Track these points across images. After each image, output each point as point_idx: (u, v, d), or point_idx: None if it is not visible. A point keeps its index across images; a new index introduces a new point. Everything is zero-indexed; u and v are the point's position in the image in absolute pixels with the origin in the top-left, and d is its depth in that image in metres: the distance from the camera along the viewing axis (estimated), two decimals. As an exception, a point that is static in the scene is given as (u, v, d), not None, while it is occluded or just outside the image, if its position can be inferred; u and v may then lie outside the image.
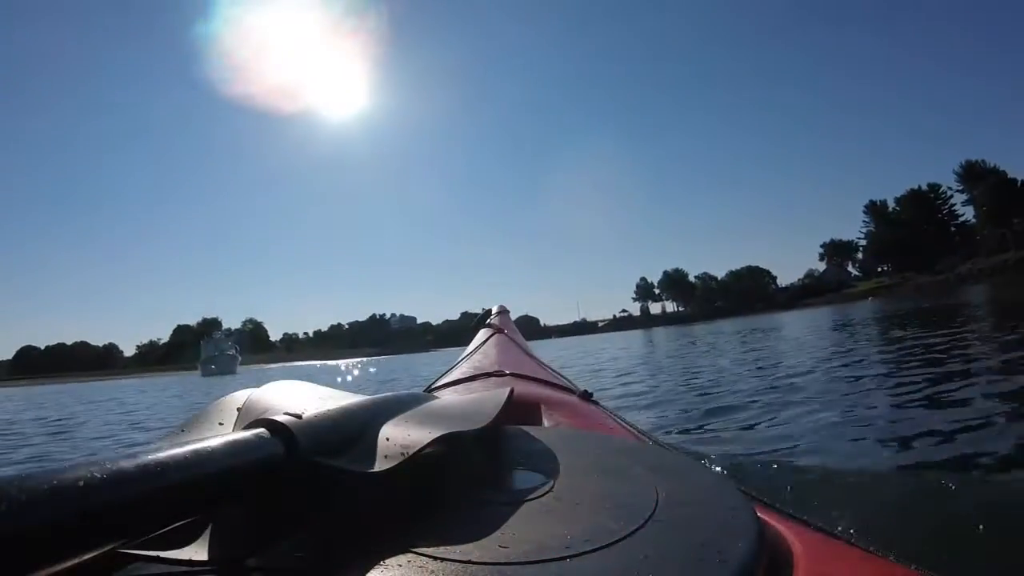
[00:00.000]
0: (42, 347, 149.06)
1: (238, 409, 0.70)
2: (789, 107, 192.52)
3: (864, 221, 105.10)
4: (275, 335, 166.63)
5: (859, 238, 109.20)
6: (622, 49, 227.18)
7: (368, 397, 0.76)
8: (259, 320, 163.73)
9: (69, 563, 0.39)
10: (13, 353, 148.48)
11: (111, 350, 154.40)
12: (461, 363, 2.22)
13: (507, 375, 1.75)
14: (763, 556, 0.56)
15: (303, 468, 0.55)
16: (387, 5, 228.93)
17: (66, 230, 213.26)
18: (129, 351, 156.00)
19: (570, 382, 1.91)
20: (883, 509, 2.59)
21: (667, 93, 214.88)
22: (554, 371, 2.11)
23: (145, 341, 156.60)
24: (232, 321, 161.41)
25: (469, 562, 0.52)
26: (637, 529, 0.57)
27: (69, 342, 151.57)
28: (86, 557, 0.40)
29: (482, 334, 2.74)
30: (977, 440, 3.47)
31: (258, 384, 0.71)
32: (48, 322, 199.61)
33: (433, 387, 1.84)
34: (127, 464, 0.43)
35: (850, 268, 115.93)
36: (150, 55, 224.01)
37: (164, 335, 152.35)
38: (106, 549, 0.42)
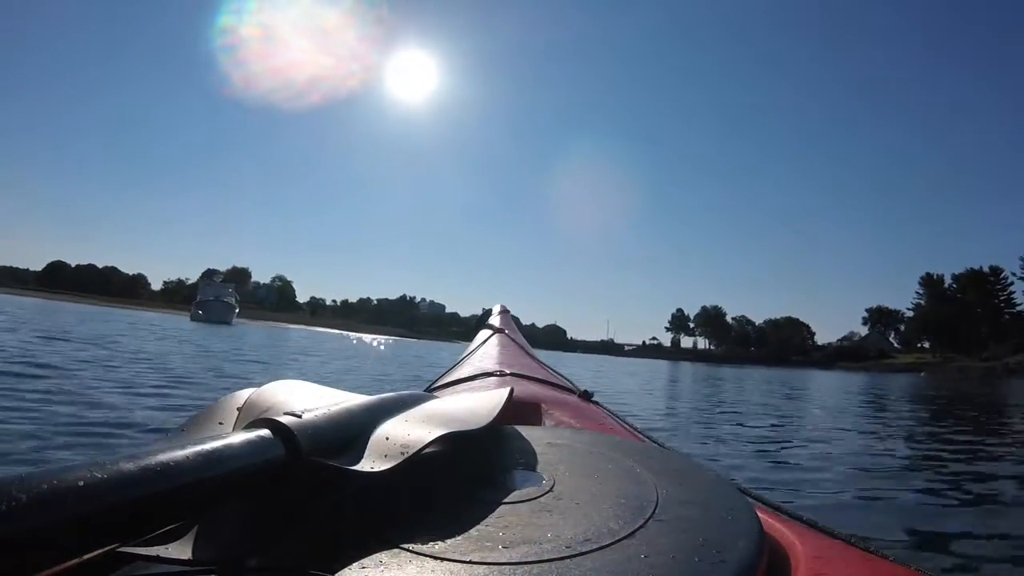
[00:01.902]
0: (72, 265, 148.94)
1: (238, 409, 0.71)
2: (860, 168, 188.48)
3: (917, 293, 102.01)
4: (303, 297, 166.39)
5: (908, 309, 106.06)
6: (690, 83, 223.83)
7: (368, 397, 0.77)
8: (289, 279, 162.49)
9: (69, 563, 0.39)
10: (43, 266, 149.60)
11: (138, 280, 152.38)
12: (462, 363, 2.24)
13: (507, 375, 1.76)
14: (763, 556, 0.56)
15: (303, 468, 0.55)
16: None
17: (120, 159, 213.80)
18: (157, 285, 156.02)
19: (570, 382, 1.92)
20: (883, 509, 2.75)
21: (736, 132, 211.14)
22: (554, 371, 2.11)
23: (174, 279, 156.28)
24: (262, 275, 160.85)
25: (469, 562, 0.52)
26: (637, 529, 0.57)
27: (100, 265, 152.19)
28: (86, 557, 0.40)
29: (483, 334, 2.74)
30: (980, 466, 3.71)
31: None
32: (85, 241, 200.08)
33: (433, 387, 1.86)
34: (127, 464, 0.43)
35: (891, 338, 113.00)
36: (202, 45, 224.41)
37: (195, 276, 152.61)
38: (106, 549, 0.42)
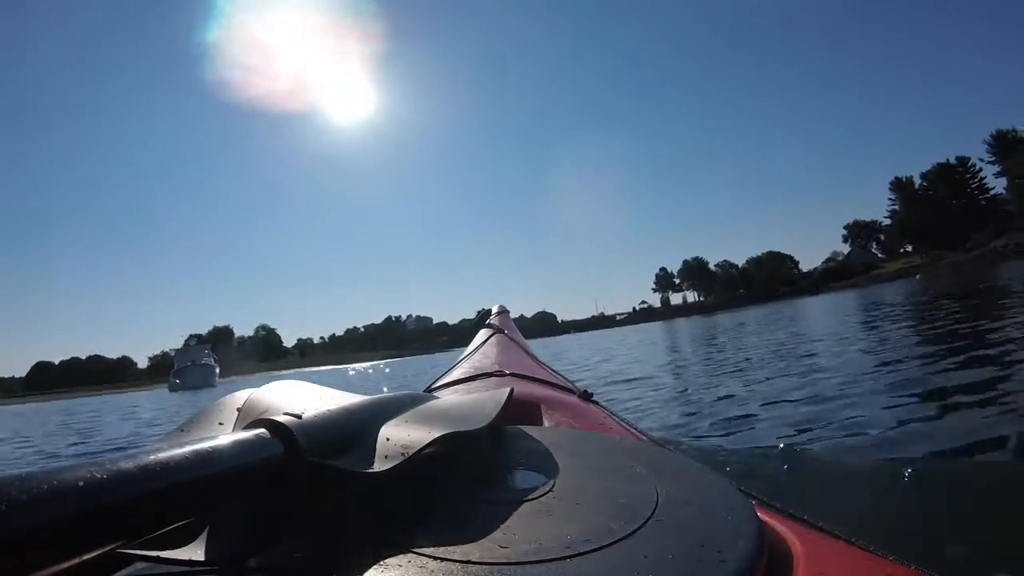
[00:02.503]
0: (56, 362, 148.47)
1: (238, 409, 0.71)
2: (801, 87, 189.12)
3: (890, 199, 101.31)
4: (290, 341, 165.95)
5: (884, 218, 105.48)
6: (632, 41, 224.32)
7: (368, 397, 0.77)
8: (272, 327, 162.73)
9: (69, 563, 0.39)
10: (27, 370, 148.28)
11: (124, 363, 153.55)
12: (461, 363, 2.22)
13: (507, 375, 1.76)
14: (763, 556, 0.56)
15: (303, 468, 0.55)
16: (391, 4, 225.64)
17: (80, 246, 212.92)
18: (143, 363, 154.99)
19: (570, 382, 1.93)
20: (883, 509, 2.62)
21: (676, 82, 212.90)
22: (554, 371, 2.12)
23: (158, 352, 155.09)
24: (245, 329, 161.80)
25: (469, 562, 0.52)
26: (637, 529, 0.57)
27: (83, 356, 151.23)
28: (86, 557, 0.40)
29: (482, 334, 2.73)
30: (990, 441, 3.36)
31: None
32: (63, 338, 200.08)
33: (433, 387, 1.86)
34: (127, 464, 0.43)
35: (873, 249, 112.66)
36: (151, 63, 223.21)
37: (177, 345, 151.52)
38: (106, 549, 0.42)
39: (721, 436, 4.45)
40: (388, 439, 0.65)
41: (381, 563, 0.52)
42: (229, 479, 0.49)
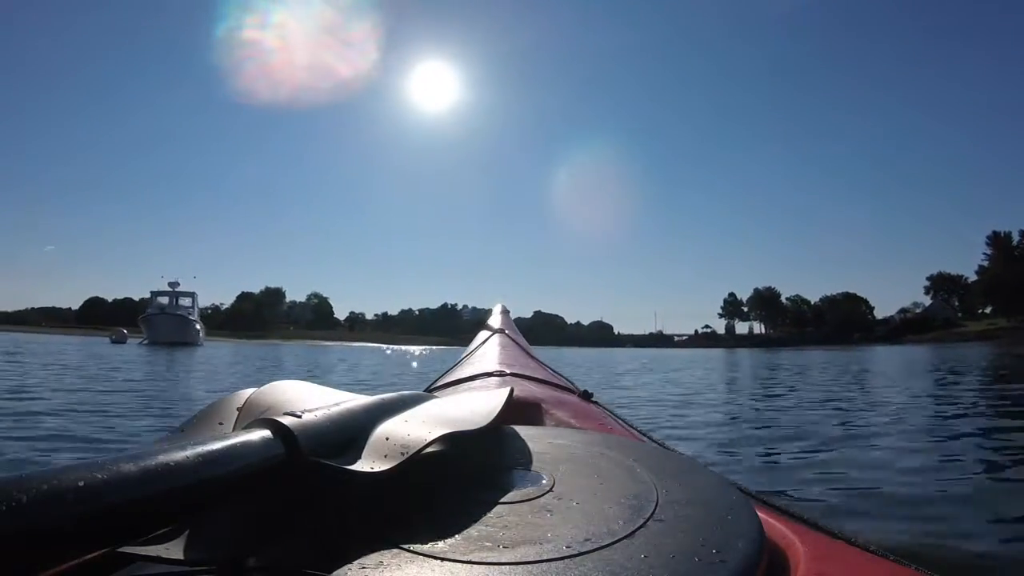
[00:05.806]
0: (109, 300, 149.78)
1: (238, 409, 0.71)
2: (904, 125, 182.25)
3: (984, 254, 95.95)
4: (341, 313, 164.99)
5: (974, 273, 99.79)
6: (729, 60, 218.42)
7: (368, 397, 0.77)
8: (325, 295, 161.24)
9: (69, 563, 0.39)
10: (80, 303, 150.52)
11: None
12: (462, 363, 2.25)
13: (507, 375, 1.77)
14: (763, 556, 0.57)
15: (303, 468, 0.56)
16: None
17: (152, 191, 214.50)
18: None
19: (570, 382, 1.95)
20: (883, 509, 2.66)
21: (772, 109, 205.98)
22: (554, 371, 2.13)
23: (208, 305, 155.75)
24: (298, 294, 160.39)
25: (469, 562, 0.52)
26: (637, 529, 0.57)
27: (137, 297, 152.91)
28: (86, 557, 0.40)
29: (483, 334, 2.77)
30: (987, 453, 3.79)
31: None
32: (120, 277, 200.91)
33: (433, 387, 1.88)
34: (127, 465, 0.43)
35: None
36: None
37: (230, 300, 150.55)
38: (106, 549, 0.42)
39: (723, 440, 4.73)
40: (388, 439, 0.65)
41: (381, 563, 0.52)
42: (230, 479, 0.50)
